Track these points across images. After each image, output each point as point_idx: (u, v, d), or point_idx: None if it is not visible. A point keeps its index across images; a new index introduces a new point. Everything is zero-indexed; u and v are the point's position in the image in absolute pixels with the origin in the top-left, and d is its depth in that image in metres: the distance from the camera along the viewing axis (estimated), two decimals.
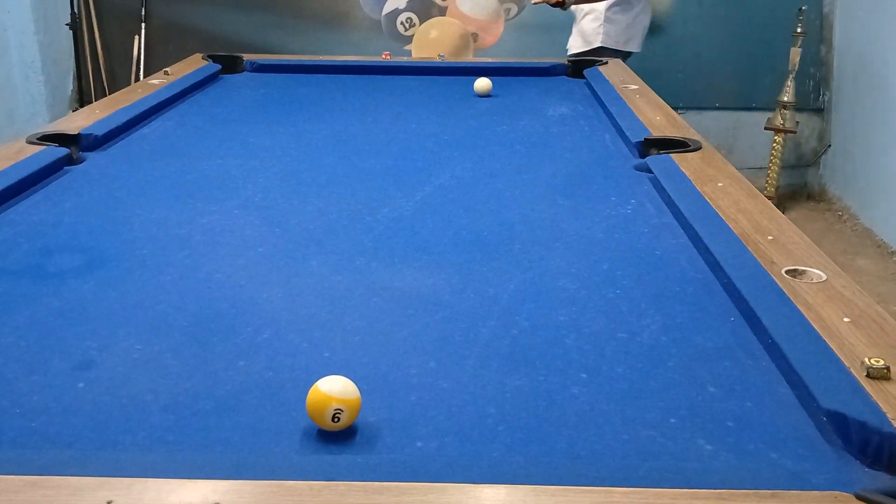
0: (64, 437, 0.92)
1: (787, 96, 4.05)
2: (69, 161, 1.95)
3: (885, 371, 0.95)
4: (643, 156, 2.00)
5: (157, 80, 2.80)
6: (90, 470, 0.81)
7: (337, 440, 0.91)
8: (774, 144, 4.15)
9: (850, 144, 4.20)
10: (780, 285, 1.21)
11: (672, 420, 0.95)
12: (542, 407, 0.98)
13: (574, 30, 3.80)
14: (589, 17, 3.67)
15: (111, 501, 0.76)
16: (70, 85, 4.55)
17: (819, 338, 1.06)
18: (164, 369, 1.06)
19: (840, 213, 4.19)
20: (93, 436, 0.92)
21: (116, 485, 0.78)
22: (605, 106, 2.51)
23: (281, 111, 2.58)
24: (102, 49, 4.48)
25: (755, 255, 1.33)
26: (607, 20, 3.62)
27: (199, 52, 3.30)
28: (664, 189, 1.72)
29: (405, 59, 3.78)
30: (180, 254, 1.45)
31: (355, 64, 3.24)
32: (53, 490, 0.77)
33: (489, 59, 3.72)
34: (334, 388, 0.92)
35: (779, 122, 4.10)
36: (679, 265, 1.39)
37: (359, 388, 0.93)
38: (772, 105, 4.18)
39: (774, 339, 1.08)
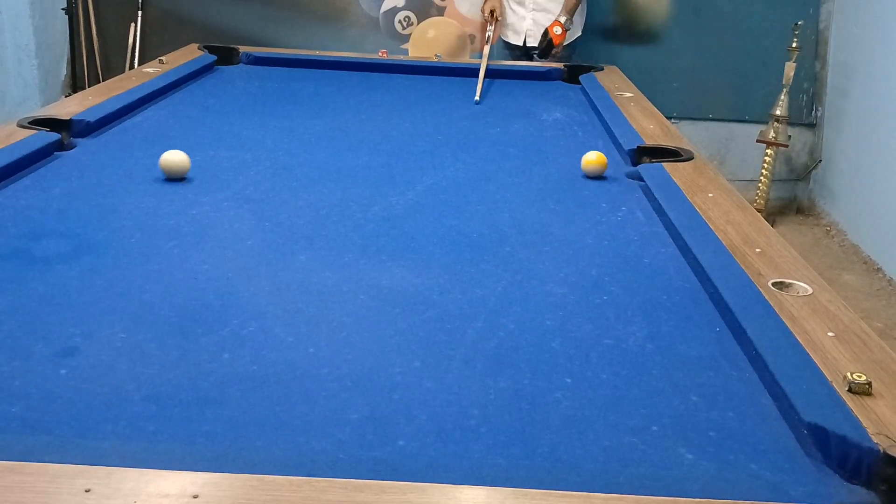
0: (44, 423, 0.91)
1: (780, 110, 4.07)
2: (60, 147, 1.94)
3: (867, 386, 0.96)
4: (635, 164, 2.01)
5: (151, 69, 2.78)
6: (69, 457, 0.80)
7: (318, 436, 0.91)
8: (766, 158, 4.16)
9: (841, 161, 4.22)
10: (767, 297, 1.22)
11: (654, 428, 0.95)
12: (525, 410, 0.98)
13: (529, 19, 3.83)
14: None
15: (89, 490, 0.75)
16: (63, 70, 4.52)
17: (803, 351, 1.06)
18: (148, 359, 1.05)
19: (828, 229, 4.22)
20: (73, 423, 0.91)
21: (95, 473, 0.78)
22: (600, 112, 2.52)
23: (275, 105, 2.57)
24: (97, 35, 4.46)
25: (742, 267, 1.33)
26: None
27: (195, 42, 3.29)
28: (655, 198, 1.72)
29: (402, 57, 3.77)
30: (168, 244, 1.44)
31: (351, 61, 3.23)
32: (31, 476, 0.77)
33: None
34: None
35: (771, 135, 4.11)
36: (667, 274, 1.40)
37: (343, 384, 0.93)
38: (765, 118, 4.20)
39: (758, 350, 1.08)
